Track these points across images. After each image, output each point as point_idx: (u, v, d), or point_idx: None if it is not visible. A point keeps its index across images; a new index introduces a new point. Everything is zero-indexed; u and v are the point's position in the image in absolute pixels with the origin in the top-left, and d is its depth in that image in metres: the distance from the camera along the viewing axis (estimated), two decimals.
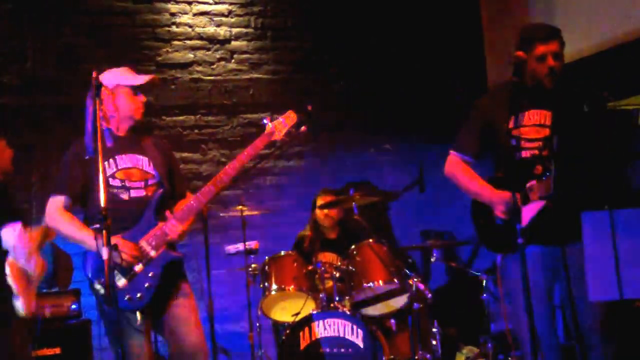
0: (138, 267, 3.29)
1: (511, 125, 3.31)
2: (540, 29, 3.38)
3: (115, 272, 3.21)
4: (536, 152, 3.25)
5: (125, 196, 3.35)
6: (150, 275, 3.30)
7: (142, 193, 3.37)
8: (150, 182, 3.40)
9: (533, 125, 3.30)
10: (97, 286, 3.29)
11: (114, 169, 3.37)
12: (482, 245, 3.50)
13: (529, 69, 3.27)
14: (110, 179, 3.35)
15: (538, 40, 3.27)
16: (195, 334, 3.40)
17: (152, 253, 3.30)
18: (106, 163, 3.32)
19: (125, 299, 3.25)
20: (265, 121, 3.53)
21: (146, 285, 3.28)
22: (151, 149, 3.47)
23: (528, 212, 3.20)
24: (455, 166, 3.54)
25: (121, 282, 3.25)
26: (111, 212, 3.16)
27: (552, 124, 3.26)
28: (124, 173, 3.37)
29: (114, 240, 3.10)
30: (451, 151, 3.57)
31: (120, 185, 3.35)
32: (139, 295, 3.27)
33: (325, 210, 5.11)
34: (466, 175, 3.51)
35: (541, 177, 3.17)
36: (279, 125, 3.51)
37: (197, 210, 3.39)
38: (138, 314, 3.30)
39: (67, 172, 3.41)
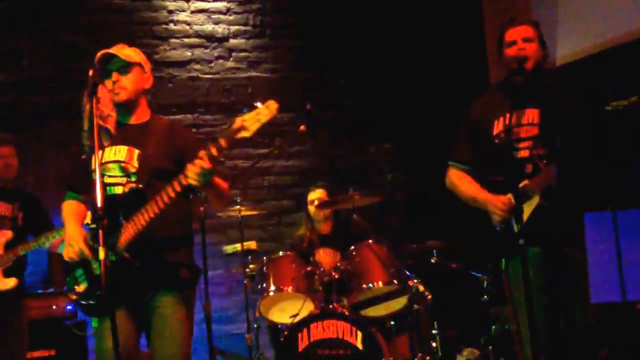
0: (97, 270, 3.01)
1: (501, 126, 3.28)
2: (508, 18, 3.38)
3: (79, 274, 3.05)
4: (527, 152, 3.21)
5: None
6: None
7: (120, 189, 3.07)
8: (132, 177, 3.09)
9: (522, 125, 3.26)
10: (67, 284, 3.13)
11: (99, 162, 3.09)
12: (486, 251, 3.45)
13: (505, 61, 3.25)
14: (92, 174, 3.09)
15: (506, 27, 3.29)
16: (167, 348, 3.06)
17: (114, 257, 2.98)
18: (93, 156, 3.08)
19: (83, 302, 3.07)
20: (244, 110, 2.99)
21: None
22: (153, 138, 3.15)
23: (525, 213, 3.16)
24: (452, 176, 3.50)
25: (80, 286, 3.07)
26: (93, 209, 3.04)
27: (541, 122, 3.22)
28: (105, 168, 3.10)
29: (73, 235, 3.02)
30: (449, 162, 3.53)
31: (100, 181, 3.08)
32: (94, 300, 3.05)
33: (316, 203, 5.10)
34: (462, 183, 3.46)
35: (532, 176, 3.13)
36: (249, 120, 2.89)
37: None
38: (96, 319, 3.07)
39: (71, 164, 3.32)
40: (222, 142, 2.87)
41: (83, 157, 3.18)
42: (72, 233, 3.06)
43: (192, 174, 2.86)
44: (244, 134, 2.89)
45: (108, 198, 3.03)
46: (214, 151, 2.86)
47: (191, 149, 3.04)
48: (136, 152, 3.11)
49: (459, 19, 6.28)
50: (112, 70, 3.13)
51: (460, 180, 3.47)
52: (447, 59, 6.22)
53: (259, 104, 2.90)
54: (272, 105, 2.88)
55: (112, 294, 2.80)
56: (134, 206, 3.00)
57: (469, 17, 6.33)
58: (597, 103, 3.31)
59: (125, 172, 3.09)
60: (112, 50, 3.15)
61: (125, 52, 3.22)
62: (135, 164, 3.10)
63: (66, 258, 3.05)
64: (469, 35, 6.28)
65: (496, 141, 3.27)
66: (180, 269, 3.15)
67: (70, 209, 3.23)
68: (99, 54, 3.15)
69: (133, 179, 3.08)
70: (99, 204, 2.79)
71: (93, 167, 3.01)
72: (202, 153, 2.87)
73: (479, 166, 3.47)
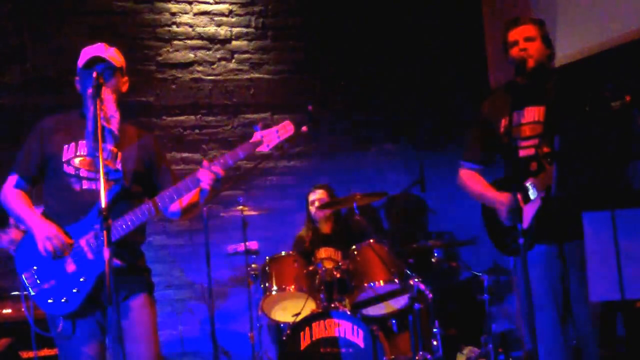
0: (70, 267, 2.96)
1: (506, 125, 3.32)
2: (513, 18, 3.43)
3: (40, 270, 2.96)
4: (533, 150, 3.25)
5: (77, 186, 3.03)
6: (81, 279, 2.92)
7: (96, 186, 2.99)
8: (111, 176, 3.03)
9: (528, 124, 3.31)
10: (24, 280, 2.99)
11: (72, 154, 3.07)
12: (496, 249, 3.48)
13: (510, 60, 3.29)
14: (64, 165, 3.05)
15: (509, 27, 3.35)
16: (148, 349, 3.02)
17: (89, 255, 2.94)
18: (66, 146, 3.07)
19: (48, 301, 2.93)
20: (255, 128, 3.08)
21: (74, 290, 2.92)
22: (128, 142, 3.16)
23: (529, 211, 3.20)
24: (462, 175, 3.58)
25: (48, 282, 2.96)
26: (60, 202, 3.01)
27: (546, 119, 3.26)
28: (82, 161, 3.05)
29: (52, 229, 2.92)
30: (460, 162, 3.60)
31: (74, 173, 3.04)
32: (63, 299, 2.92)
33: (317, 204, 5.14)
34: (472, 182, 3.54)
35: (537, 174, 3.17)
36: (269, 136, 3.05)
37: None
38: (61, 320, 2.97)
39: (24, 150, 3.14)
40: (240, 152, 3.03)
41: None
42: (48, 226, 2.96)
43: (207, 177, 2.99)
44: (262, 148, 3.05)
45: (82, 193, 3.02)
46: (230, 160, 3.02)
47: (155, 149, 3.24)
48: (116, 150, 3.10)
49: (459, 21, 6.31)
50: (95, 70, 3.05)
51: (469, 180, 3.55)
52: (447, 61, 6.25)
53: (274, 127, 3.07)
54: (289, 125, 3.08)
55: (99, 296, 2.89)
56: (114, 205, 2.98)
57: (469, 19, 6.36)
58: (597, 103, 3.35)
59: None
60: (101, 54, 3.11)
61: (110, 54, 3.16)
62: (116, 163, 3.08)
63: (44, 252, 2.93)
64: (469, 37, 6.31)
65: (502, 140, 3.33)
66: (146, 273, 3.19)
67: (26, 201, 3.11)
68: (87, 56, 3.11)
69: (112, 177, 3.05)
70: (104, 204, 2.71)
71: (58, 150, 3.04)
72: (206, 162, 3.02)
73: (490, 165, 3.54)
